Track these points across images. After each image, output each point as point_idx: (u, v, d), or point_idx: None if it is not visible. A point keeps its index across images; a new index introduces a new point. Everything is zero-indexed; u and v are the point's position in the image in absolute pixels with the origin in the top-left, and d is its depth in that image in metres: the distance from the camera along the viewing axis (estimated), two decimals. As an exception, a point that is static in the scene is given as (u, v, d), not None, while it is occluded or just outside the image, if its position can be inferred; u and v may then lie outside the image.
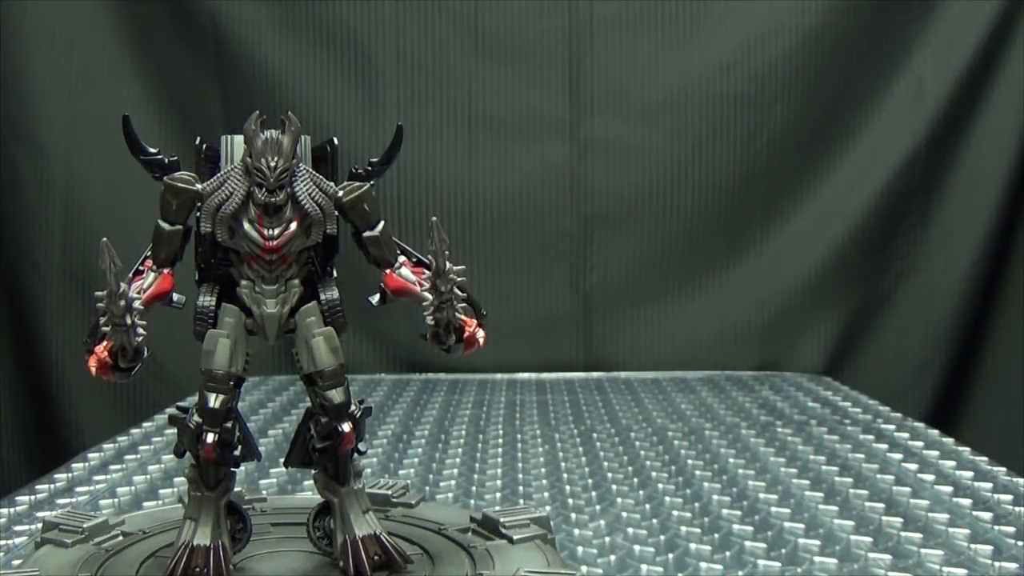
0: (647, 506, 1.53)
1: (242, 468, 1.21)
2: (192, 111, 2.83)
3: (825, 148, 2.90)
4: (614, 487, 1.63)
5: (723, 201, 2.89)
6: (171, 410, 1.17)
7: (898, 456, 1.82)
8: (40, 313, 2.82)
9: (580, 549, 1.34)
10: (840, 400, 2.39)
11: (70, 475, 1.73)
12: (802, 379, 2.71)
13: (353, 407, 1.13)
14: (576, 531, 1.42)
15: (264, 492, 1.50)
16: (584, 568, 1.27)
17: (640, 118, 2.88)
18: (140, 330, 1.00)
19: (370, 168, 1.13)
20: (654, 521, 1.45)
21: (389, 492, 1.37)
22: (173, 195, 1.06)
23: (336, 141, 1.13)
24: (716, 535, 1.39)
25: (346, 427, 1.11)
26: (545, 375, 2.76)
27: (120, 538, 1.24)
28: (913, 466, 1.75)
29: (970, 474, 1.69)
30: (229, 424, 1.09)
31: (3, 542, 1.37)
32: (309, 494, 1.41)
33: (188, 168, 1.09)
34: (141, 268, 1.08)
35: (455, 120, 2.88)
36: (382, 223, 1.11)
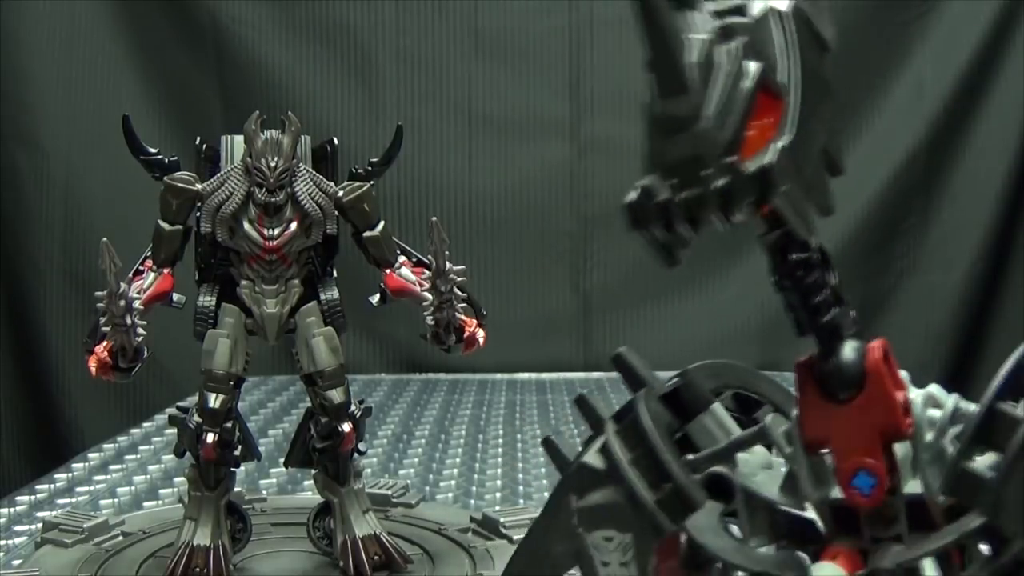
0: (647, 506, 1.52)
1: (242, 468, 1.21)
2: (192, 111, 2.83)
3: (825, 148, 2.90)
4: (614, 487, 1.62)
5: (722, 201, 2.88)
6: (171, 410, 1.18)
7: (898, 456, 1.81)
8: (40, 313, 2.82)
9: (580, 549, 1.34)
10: (840, 400, 2.38)
11: (70, 475, 1.73)
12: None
13: (353, 407, 1.13)
14: (576, 531, 1.41)
15: (264, 492, 1.51)
16: (584, 568, 1.27)
17: (640, 118, 2.87)
18: (140, 330, 1.01)
19: (370, 168, 1.13)
20: (654, 521, 1.45)
21: (389, 492, 1.37)
22: (173, 195, 1.07)
23: (336, 141, 1.14)
24: (716, 535, 1.38)
25: (346, 427, 1.11)
26: (545, 375, 2.76)
27: (120, 538, 1.24)
28: (913, 466, 1.74)
29: (970, 474, 1.68)
30: (229, 424, 1.10)
31: (3, 542, 1.37)
32: (309, 494, 1.41)
33: (188, 168, 1.09)
34: (141, 268, 1.08)
35: (455, 120, 2.88)
36: (382, 223, 1.11)
